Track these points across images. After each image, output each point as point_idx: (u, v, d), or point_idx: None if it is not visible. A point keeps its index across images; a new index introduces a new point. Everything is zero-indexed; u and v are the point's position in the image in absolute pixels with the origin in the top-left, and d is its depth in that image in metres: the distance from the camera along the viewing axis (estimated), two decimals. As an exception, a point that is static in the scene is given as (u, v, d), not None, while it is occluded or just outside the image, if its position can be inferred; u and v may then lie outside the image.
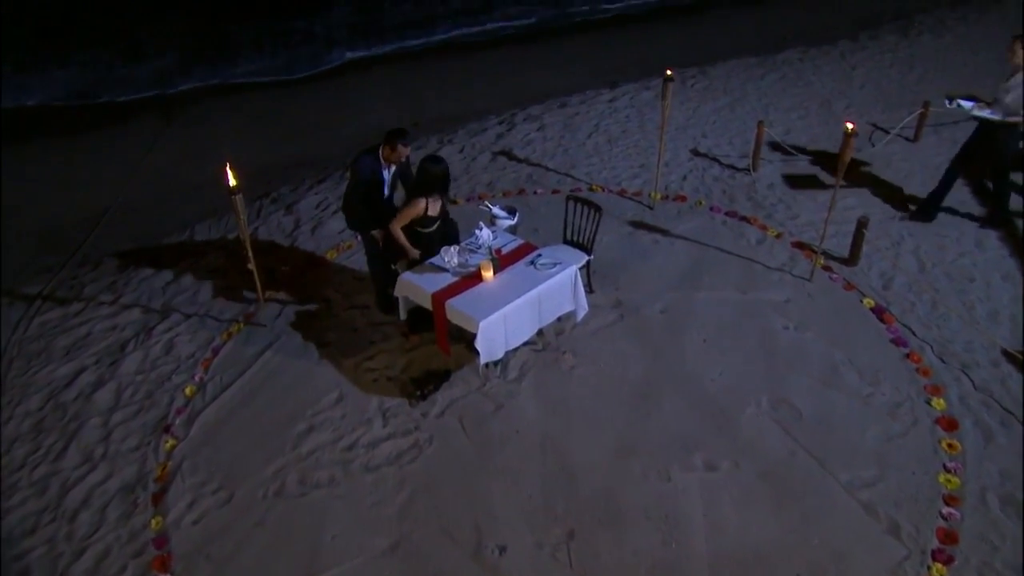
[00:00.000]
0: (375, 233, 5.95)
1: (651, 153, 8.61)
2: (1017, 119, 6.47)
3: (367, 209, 5.89)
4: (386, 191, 5.92)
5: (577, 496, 4.75)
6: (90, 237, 8.58)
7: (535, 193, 8.11)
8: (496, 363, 5.70)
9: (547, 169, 8.57)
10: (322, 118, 11.78)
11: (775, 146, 8.61)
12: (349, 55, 14.55)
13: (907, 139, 8.76)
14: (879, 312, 6.14)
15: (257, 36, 15.09)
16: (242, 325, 6.47)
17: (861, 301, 6.28)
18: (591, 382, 5.62)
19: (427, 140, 9.55)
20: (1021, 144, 6.83)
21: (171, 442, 5.38)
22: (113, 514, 4.86)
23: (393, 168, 5.85)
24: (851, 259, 6.68)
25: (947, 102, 6.91)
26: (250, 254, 6.02)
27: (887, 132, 8.85)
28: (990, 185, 7.30)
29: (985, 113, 6.60)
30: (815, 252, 6.76)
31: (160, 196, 9.62)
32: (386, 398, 5.62)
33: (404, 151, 5.68)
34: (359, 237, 6.57)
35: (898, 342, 5.82)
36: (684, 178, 8.21)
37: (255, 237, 7.77)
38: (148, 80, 13.55)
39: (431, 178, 5.50)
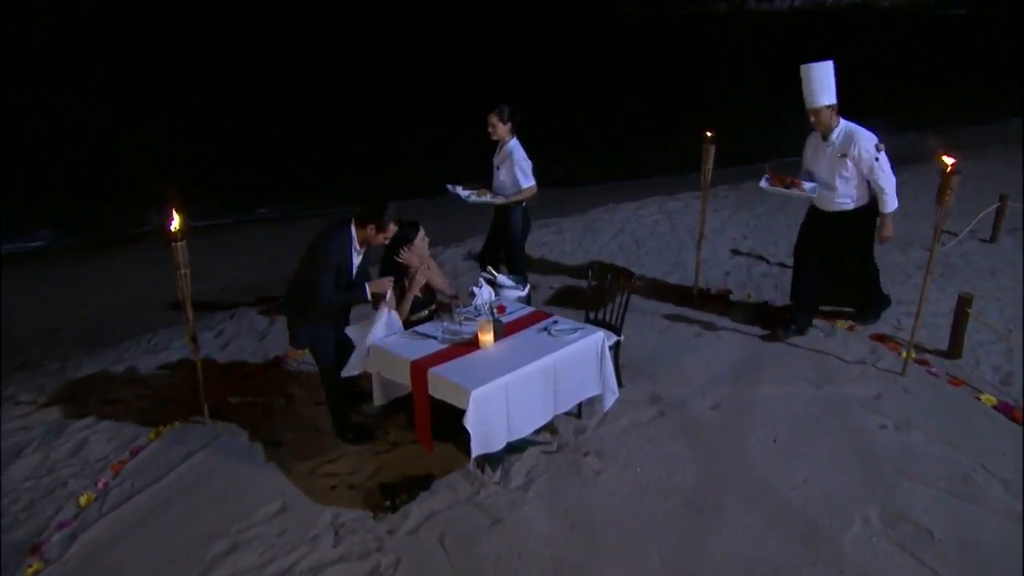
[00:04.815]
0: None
1: (684, 252, 7.53)
2: (517, 198, 5.85)
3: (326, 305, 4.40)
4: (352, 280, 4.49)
5: (609, 648, 3.08)
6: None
7: (551, 288, 6.93)
8: (495, 464, 4.22)
9: (565, 266, 7.46)
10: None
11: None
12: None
13: (983, 240, 7.64)
14: (1007, 410, 4.63)
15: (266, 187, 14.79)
16: (177, 423, 5.10)
17: (978, 398, 4.80)
18: (624, 491, 4.09)
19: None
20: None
21: (35, 566, 3.83)
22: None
23: (363, 253, 4.50)
24: (952, 351, 5.29)
25: (449, 188, 6.15)
26: (188, 304, 4.82)
27: (956, 235, 7.75)
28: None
29: (486, 199, 5.92)
30: (900, 344, 5.42)
31: (133, 309, 8.63)
32: (343, 510, 4.10)
33: (391, 233, 4.38)
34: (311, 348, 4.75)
35: (1045, 445, 4.28)
36: (727, 274, 7.04)
37: (221, 335, 6.62)
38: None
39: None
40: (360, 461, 4.53)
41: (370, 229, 4.27)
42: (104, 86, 22.29)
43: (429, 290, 4.80)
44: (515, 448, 4.34)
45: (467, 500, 4.09)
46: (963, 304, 5.10)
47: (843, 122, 5.22)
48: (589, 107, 20.08)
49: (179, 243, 4.58)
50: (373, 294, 4.36)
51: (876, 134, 5.15)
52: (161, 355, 6.31)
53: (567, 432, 4.59)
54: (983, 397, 4.79)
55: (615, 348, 4.99)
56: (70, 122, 18.17)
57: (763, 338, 5.68)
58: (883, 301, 5.95)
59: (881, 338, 5.64)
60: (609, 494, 4.06)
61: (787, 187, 5.35)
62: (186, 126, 18.06)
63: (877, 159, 5.07)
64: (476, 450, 3.82)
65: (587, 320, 5.12)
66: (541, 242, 8.24)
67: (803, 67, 5.08)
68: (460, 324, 4.34)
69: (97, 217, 12.35)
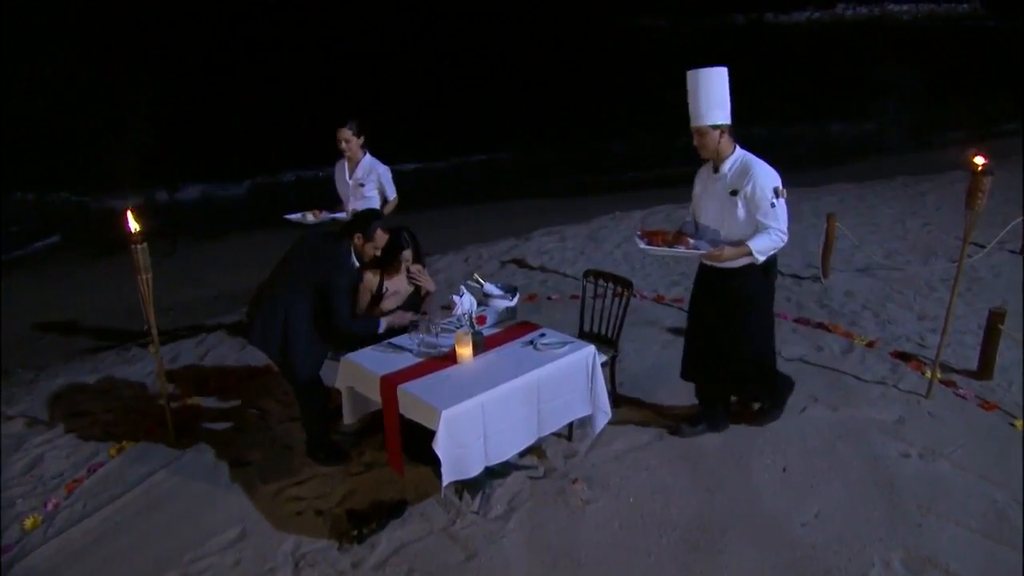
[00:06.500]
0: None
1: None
2: (389, 211, 5.45)
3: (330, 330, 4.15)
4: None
5: None
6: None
7: (549, 299, 6.56)
8: (474, 490, 3.84)
9: (565, 275, 7.09)
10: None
11: (847, 258, 7.08)
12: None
13: (1013, 252, 7.18)
14: (1045, 439, 4.18)
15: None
16: (141, 438, 4.77)
17: (1012, 424, 4.35)
18: (614, 524, 3.68)
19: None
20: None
21: (-34, 596, 3.50)
22: None
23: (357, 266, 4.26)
24: (982, 371, 4.84)
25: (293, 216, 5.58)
26: (150, 309, 4.50)
27: (983, 247, 7.27)
28: None
29: (337, 216, 5.46)
30: (924, 363, 5.00)
31: (120, 316, 8.37)
32: (306, 538, 3.74)
33: (383, 240, 4.15)
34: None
35: (1090, 479, 3.82)
36: (736, 285, 6.62)
37: (202, 343, 6.30)
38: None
39: (387, 244, 4.13)
40: (330, 484, 4.16)
41: (357, 239, 4.05)
42: (105, 90, 22.33)
43: (418, 297, 4.47)
44: (497, 473, 3.97)
45: (441, 531, 3.71)
46: (995, 319, 4.66)
47: (739, 151, 3.91)
48: (606, 118, 19.76)
49: (139, 246, 4.26)
50: (388, 329, 4.15)
51: (779, 174, 3.88)
52: (137, 366, 6.00)
53: (555, 456, 4.20)
54: (1018, 423, 4.33)
55: (611, 364, 4.61)
56: (73, 126, 18.16)
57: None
58: (785, 388, 4.52)
59: (903, 356, 5.19)
60: (597, 527, 3.66)
61: (670, 246, 4.00)
62: (187, 132, 18.04)
63: (773, 204, 3.79)
64: (447, 476, 3.44)
65: (581, 333, 4.73)
66: (542, 250, 7.88)
67: (689, 74, 3.83)
68: (437, 336, 3.97)
69: (96, 222, 12.21)
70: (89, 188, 13.78)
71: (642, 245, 4.05)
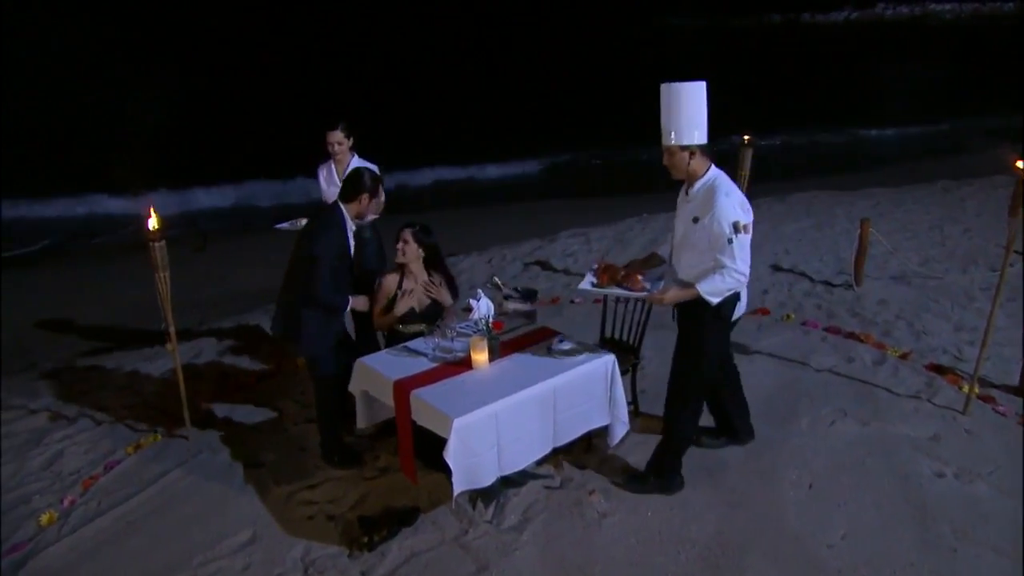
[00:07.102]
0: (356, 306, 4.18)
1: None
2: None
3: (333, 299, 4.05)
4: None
5: None
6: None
7: (572, 302, 6.44)
8: (488, 499, 3.76)
9: (589, 278, 6.97)
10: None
11: (881, 265, 6.84)
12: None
13: (1057, 261, 6.88)
14: (1090, 460, 3.96)
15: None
16: (159, 436, 4.77)
17: (1054, 444, 4.14)
18: (631, 539, 3.57)
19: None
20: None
21: (-21, 592, 3.51)
22: None
23: (353, 230, 4.16)
24: (1023, 388, 4.61)
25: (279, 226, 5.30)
26: (168, 307, 4.50)
27: (1019, 253, 7.00)
28: None
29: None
30: (961, 377, 4.79)
31: (145, 313, 8.44)
32: (316, 544, 3.68)
33: (381, 195, 4.19)
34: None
35: None
36: (765, 292, 6.44)
37: (223, 341, 6.31)
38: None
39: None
40: (343, 488, 4.11)
41: (363, 199, 4.03)
42: (126, 87, 22.72)
43: (436, 305, 4.38)
44: (512, 481, 3.88)
45: (453, 540, 3.63)
46: (1037, 333, 4.44)
47: (712, 172, 3.50)
48: (635, 118, 19.55)
49: (158, 243, 4.25)
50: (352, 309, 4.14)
51: (747, 204, 3.50)
52: (158, 363, 6.02)
53: (570, 466, 4.09)
54: (1061, 443, 4.13)
55: (632, 371, 4.49)
56: (94, 124, 18.52)
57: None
58: (680, 444, 3.94)
59: (939, 369, 4.98)
60: (613, 541, 3.55)
61: (618, 284, 3.80)
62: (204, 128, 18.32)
63: (731, 241, 3.35)
64: (459, 486, 3.36)
65: (602, 339, 4.62)
66: (567, 252, 7.77)
67: (663, 87, 3.42)
68: (452, 340, 3.89)
69: (120, 218, 12.40)
70: (150, 186, 14.11)
71: (583, 284, 3.91)
